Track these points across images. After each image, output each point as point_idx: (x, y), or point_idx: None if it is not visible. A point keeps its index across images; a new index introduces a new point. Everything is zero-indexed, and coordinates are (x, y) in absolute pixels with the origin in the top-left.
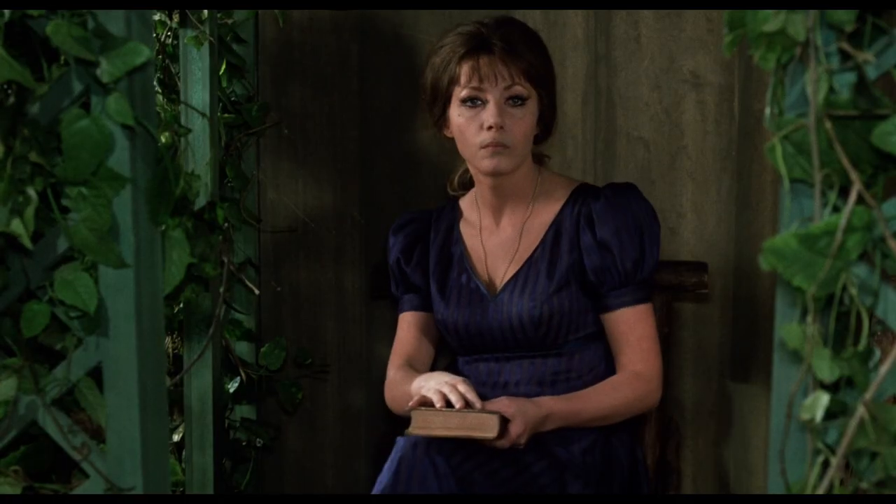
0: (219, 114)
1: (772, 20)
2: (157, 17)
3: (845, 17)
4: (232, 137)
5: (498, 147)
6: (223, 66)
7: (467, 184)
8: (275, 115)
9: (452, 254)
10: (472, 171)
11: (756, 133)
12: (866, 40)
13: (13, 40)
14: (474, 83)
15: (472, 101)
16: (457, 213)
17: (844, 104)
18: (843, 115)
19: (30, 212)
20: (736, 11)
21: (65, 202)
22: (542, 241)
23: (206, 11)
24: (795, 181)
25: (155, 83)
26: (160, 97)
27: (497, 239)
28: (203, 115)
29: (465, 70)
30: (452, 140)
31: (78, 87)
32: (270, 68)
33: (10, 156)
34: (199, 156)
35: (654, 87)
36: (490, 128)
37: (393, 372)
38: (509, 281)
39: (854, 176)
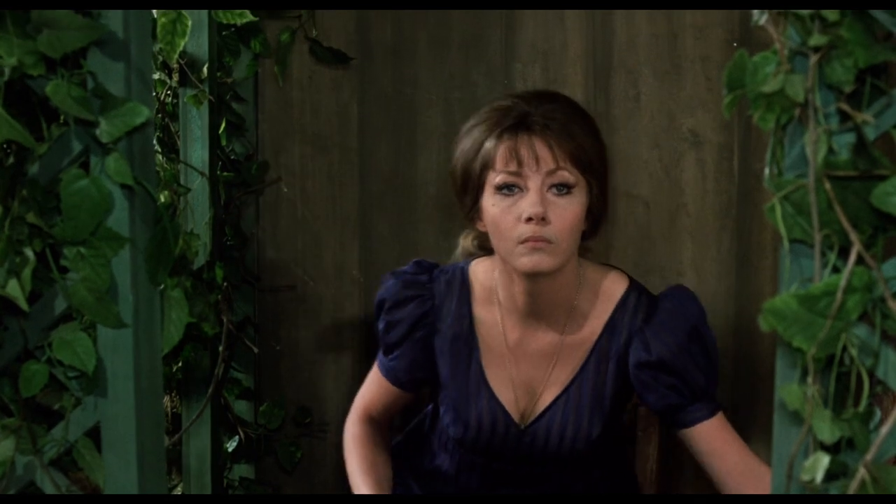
0: (218, 172)
1: (771, 81)
2: (156, 76)
3: (844, 78)
4: (231, 196)
5: (539, 242)
6: (223, 125)
7: (486, 246)
8: (274, 174)
9: (466, 356)
10: (502, 267)
11: (756, 191)
12: (865, 101)
13: (13, 100)
14: (512, 167)
15: (509, 189)
16: (470, 296)
17: (844, 165)
18: (842, 176)
19: (27, 272)
20: (735, 71)
21: (63, 262)
22: (586, 363)
23: (205, 70)
24: (795, 241)
25: (154, 142)
26: (159, 156)
27: (527, 351)
28: (202, 174)
29: (501, 152)
30: (485, 234)
31: (77, 146)
32: (270, 126)
33: (8, 216)
34: (198, 215)
35: (653, 145)
36: (530, 219)
37: (357, 423)
38: (546, 411)
39: (854, 236)
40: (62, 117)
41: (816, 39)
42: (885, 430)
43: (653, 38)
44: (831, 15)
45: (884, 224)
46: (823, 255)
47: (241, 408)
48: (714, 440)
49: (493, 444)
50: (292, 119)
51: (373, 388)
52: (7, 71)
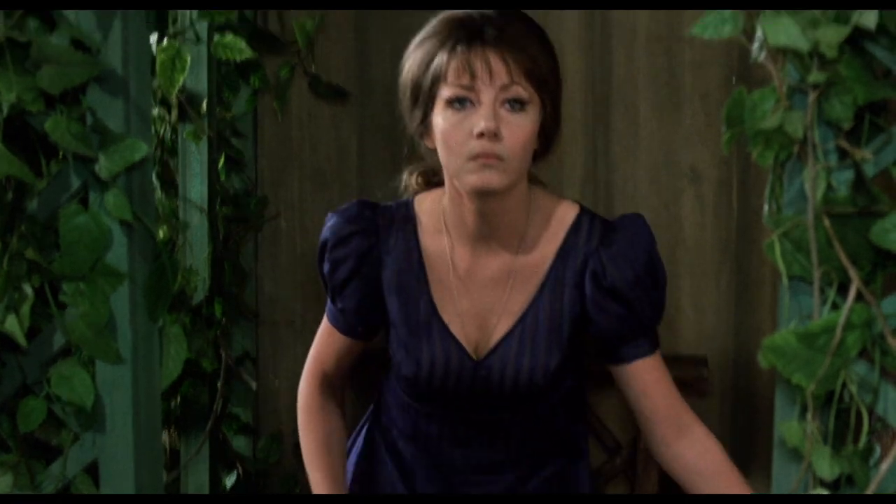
0: (217, 207)
1: (769, 118)
2: (155, 111)
3: (843, 115)
4: (230, 231)
5: (490, 159)
6: (222, 160)
7: (434, 182)
8: (273, 209)
9: (414, 291)
10: (451, 190)
11: (755, 226)
12: (864, 138)
13: (12, 135)
14: (464, 81)
15: (461, 103)
16: (416, 227)
17: (843, 201)
18: (841, 213)
19: (26, 308)
20: (734, 108)
21: (62, 298)
22: (540, 291)
23: (204, 106)
24: (794, 278)
25: (153, 177)
26: (158, 191)
27: (476, 280)
28: (201, 209)
29: (453, 65)
30: (434, 151)
31: (76, 182)
32: (269, 161)
33: (6, 252)
34: (197, 250)
35: (652, 180)
36: (481, 134)
37: (311, 388)
38: (501, 342)
39: (853, 273)
40: (61, 153)
41: (815, 76)
42: (884, 466)
43: (651, 73)
44: (830, 52)
45: (883, 261)
46: (823, 291)
47: (240, 443)
48: (649, 378)
49: (447, 381)
50: (292, 154)
51: (322, 341)
52: (6, 107)
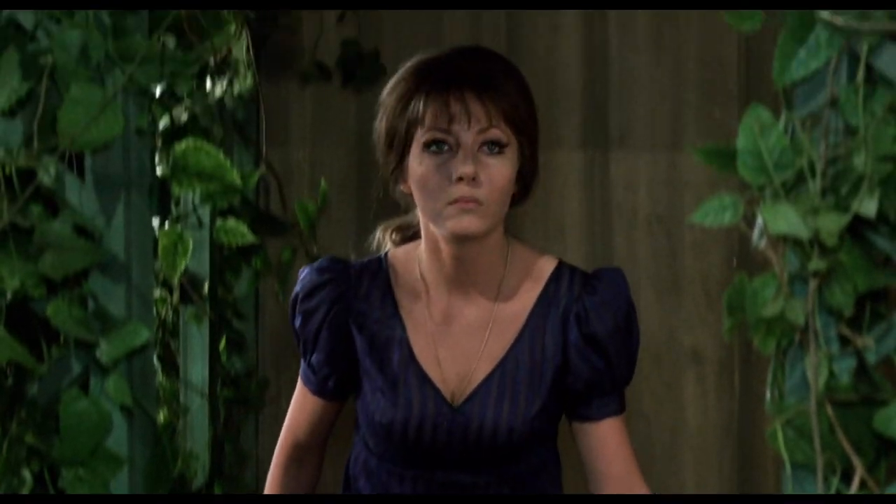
0: (218, 389)
1: (770, 306)
2: (157, 293)
3: (844, 303)
4: (231, 413)
5: (469, 203)
6: (223, 342)
7: (409, 237)
8: (274, 390)
9: (390, 338)
10: (427, 235)
11: (757, 409)
12: (866, 325)
13: (13, 320)
14: (442, 124)
15: (438, 146)
16: (389, 277)
17: (845, 389)
18: (844, 401)
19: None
20: (734, 295)
21: (61, 483)
22: (520, 337)
23: (206, 288)
24: (797, 466)
25: (154, 360)
26: (159, 374)
27: (454, 326)
28: (202, 394)
29: (430, 108)
30: (409, 196)
31: (77, 367)
32: (271, 343)
33: (6, 438)
34: (197, 434)
35: (653, 361)
36: (460, 179)
37: (279, 458)
38: (478, 388)
39: (856, 461)
40: (63, 338)
41: (816, 264)
42: None
43: (652, 254)
44: (830, 240)
45: (886, 448)
46: (826, 479)
47: None
48: (611, 441)
49: (423, 429)
50: (293, 336)
51: (295, 406)
52: (8, 293)
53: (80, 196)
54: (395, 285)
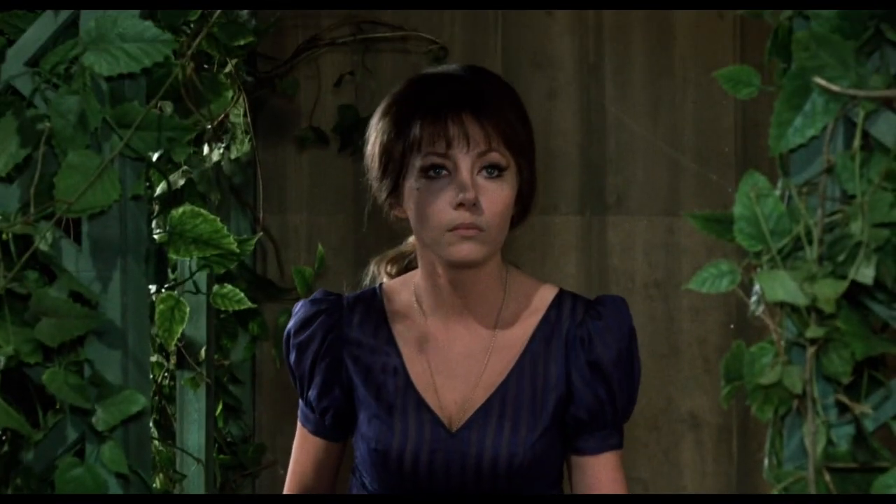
0: (214, 455)
1: (768, 373)
2: (153, 358)
3: (842, 370)
4: (227, 479)
5: (471, 230)
6: (220, 408)
7: (404, 268)
8: (271, 456)
9: (386, 365)
10: (424, 261)
11: (755, 474)
12: (863, 392)
13: (8, 386)
14: (440, 148)
15: (436, 171)
16: (384, 306)
17: (843, 456)
18: (842, 468)
19: None
20: (732, 362)
21: None
22: (519, 364)
23: (203, 353)
24: None
25: (150, 426)
26: (155, 441)
27: (451, 353)
28: (198, 460)
29: (427, 131)
30: (405, 222)
31: (73, 434)
32: (267, 408)
33: None
34: None
35: (651, 427)
36: (460, 205)
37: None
38: (476, 413)
39: None
40: (58, 404)
41: (813, 331)
42: None
43: (650, 319)
44: (827, 307)
45: None
46: None
47: None
48: (607, 477)
49: (419, 457)
50: (290, 401)
51: (297, 450)
52: (4, 359)
53: (76, 262)
54: (389, 313)
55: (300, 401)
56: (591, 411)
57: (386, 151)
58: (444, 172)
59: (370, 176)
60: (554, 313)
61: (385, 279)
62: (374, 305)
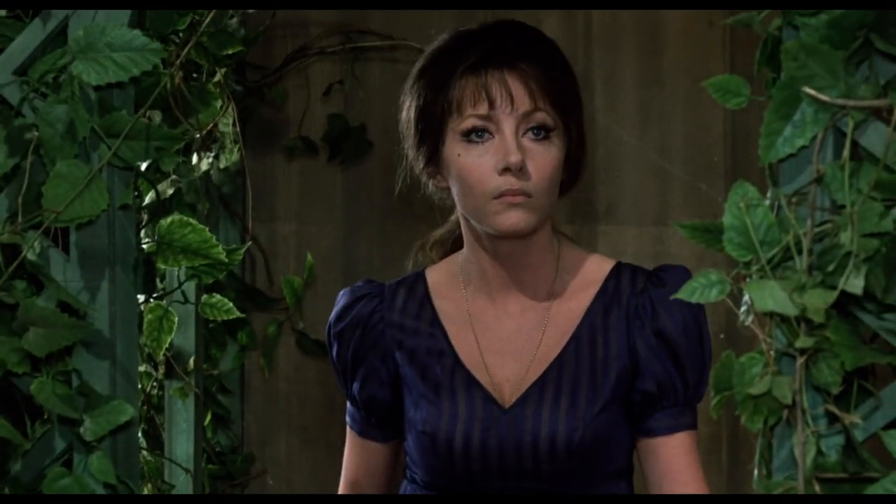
0: (203, 465)
1: (758, 383)
2: (142, 368)
3: (831, 380)
4: (216, 489)
5: (517, 196)
6: (208, 417)
7: (448, 251)
8: (260, 466)
9: (431, 348)
10: (468, 233)
11: (745, 484)
12: (853, 402)
13: None
14: (482, 109)
15: (479, 135)
16: (428, 287)
17: (833, 467)
18: (832, 478)
19: None
20: (722, 372)
21: None
22: (576, 336)
23: (191, 363)
24: None
25: (139, 436)
26: (144, 451)
27: (501, 330)
28: (187, 470)
29: (468, 92)
30: (447, 192)
31: (61, 444)
32: (256, 418)
33: None
34: None
35: None
36: (506, 170)
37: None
38: (532, 388)
39: None
40: (46, 414)
41: (803, 342)
42: None
43: None
44: (817, 317)
45: None
46: None
47: None
48: (680, 461)
49: (471, 437)
50: (279, 411)
51: (348, 456)
52: None
53: (64, 272)
54: (434, 294)
55: (347, 403)
56: (659, 383)
57: (422, 116)
58: (487, 135)
59: (406, 144)
60: (612, 284)
61: (431, 262)
62: (417, 288)
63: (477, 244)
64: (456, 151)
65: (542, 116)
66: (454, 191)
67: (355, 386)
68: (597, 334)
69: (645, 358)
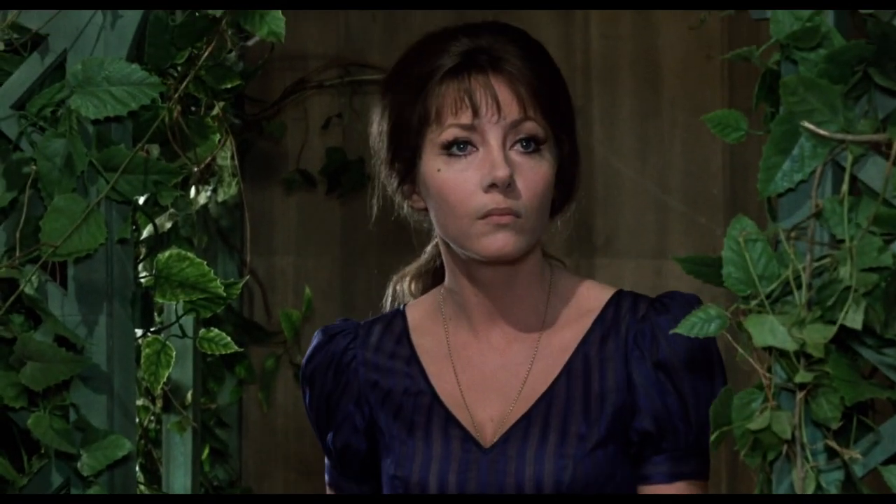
0: None
1: (757, 419)
2: (139, 402)
3: (831, 415)
4: None
5: (505, 217)
6: (206, 451)
7: (428, 285)
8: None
9: (408, 387)
10: (448, 259)
11: None
12: (852, 437)
13: None
14: (465, 119)
15: (461, 147)
16: (406, 322)
17: None
18: None
19: None
20: (720, 407)
21: None
22: (567, 369)
23: (189, 397)
24: None
25: (136, 469)
26: (141, 486)
27: (485, 365)
28: None
29: (449, 99)
30: (424, 214)
31: (58, 479)
32: (254, 452)
33: None
34: None
35: None
36: (492, 186)
37: None
38: (516, 426)
39: None
40: (43, 448)
41: (802, 376)
42: None
43: None
44: (816, 352)
45: None
46: None
47: None
48: None
49: (446, 480)
50: (277, 445)
51: None
52: None
53: (62, 306)
54: (413, 331)
55: (325, 460)
56: (658, 421)
57: (397, 127)
58: (470, 148)
59: (378, 159)
60: (612, 312)
61: (409, 296)
62: (394, 325)
63: (458, 271)
64: (435, 167)
65: (531, 126)
66: (433, 212)
67: (329, 436)
68: (592, 366)
69: (643, 392)
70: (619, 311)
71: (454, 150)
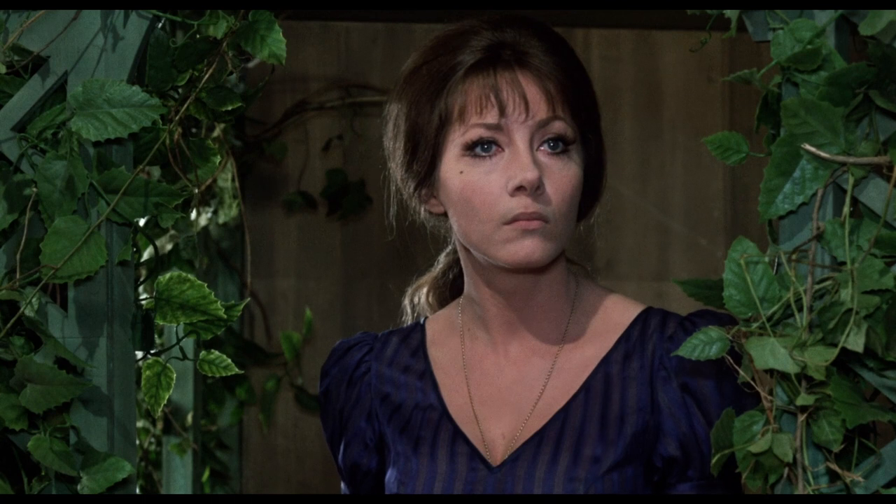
0: None
1: (759, 441)
2: (140, 423)
3: (832, 438)
4: None
5: (533, 222)
6: (206, 473)
7: (447, 297)
8: None
9: (419, 402)
10: (468, 265)
11: None
12: (854, 460)
13: None
14: (490, 118)
15: (485, 148)
16: (424, 334)
17: None
18: None
19: None
20: (722, 430)
21: None
22: (586, 387)
23: (190, 418)
24: None
25: (137, 491)
26: None
27: (501, 379)
28: None
29: (473, 96)
30: (443, 219)
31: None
32: (254, 474)
33: None
34: None
35: None
36: (520, 188)
37: None
38: (527, 444)
39: None
40: (43, 471)
41: (803, 399)
42: None
43: None
44: (818, 374)
45: None
46: None
47: None
48: None
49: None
50: (277, 467)
51: None
52: None
53: (62, 328)
54: (430, 344)
55: (341, 484)
56: (684, 447)
57: (415, 126)
58: (496, 148)
59: (393, 162)
60: (638, 329)
61: (427, 309)
62: (412, 338)
63: (478, 279)
64: (458, 168)
65: (560, 126)
66: (453, 217)
67: (340, 454)
68: (612, 386)
69: (669, 415)
70: (647, 328)
71: (478, 150)
